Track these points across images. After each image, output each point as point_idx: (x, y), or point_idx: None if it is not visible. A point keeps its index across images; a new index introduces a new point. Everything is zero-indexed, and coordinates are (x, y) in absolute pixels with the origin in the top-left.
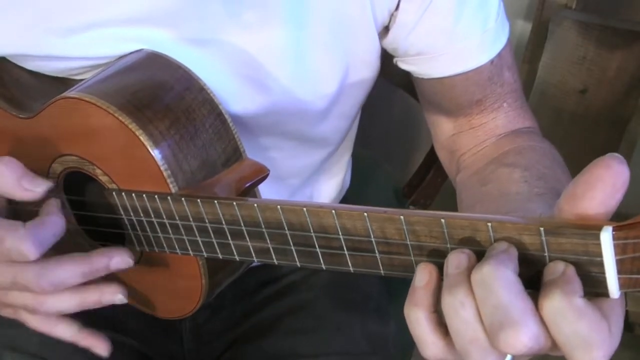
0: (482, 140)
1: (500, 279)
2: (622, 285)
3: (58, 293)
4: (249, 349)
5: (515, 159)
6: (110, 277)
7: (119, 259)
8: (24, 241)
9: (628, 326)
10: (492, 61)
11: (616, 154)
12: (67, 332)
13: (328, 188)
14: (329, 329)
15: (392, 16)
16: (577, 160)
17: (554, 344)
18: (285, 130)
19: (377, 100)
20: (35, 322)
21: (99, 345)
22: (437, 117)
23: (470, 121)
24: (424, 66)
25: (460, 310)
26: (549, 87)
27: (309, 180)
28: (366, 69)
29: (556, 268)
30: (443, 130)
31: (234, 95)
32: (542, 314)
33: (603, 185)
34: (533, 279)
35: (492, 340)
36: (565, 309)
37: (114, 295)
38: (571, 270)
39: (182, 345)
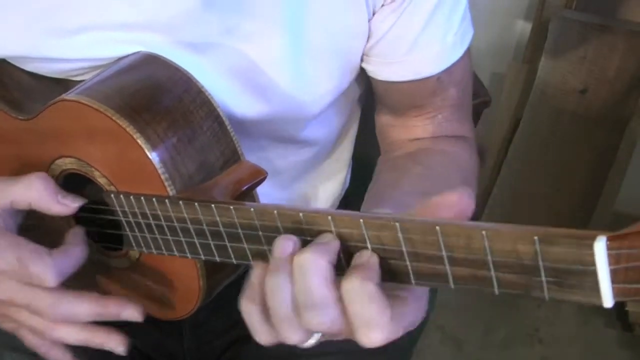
0: (410, 138)
1: (314, 266)
2: (616, 294)
3: (68, 325)
4: (249, 349)
5: (424, 157)
6: (109, 278)
7: (131, 312)
8: (48, 269)
9: (628, 326)
10: (438, 77)
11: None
12: (61, 358)
13: (326, 188)
14: None
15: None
16: (577, 160)
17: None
18: (279, 134)
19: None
20: (34, 342)
21: None
22: (380, 108)
23: (405, 121)
24: (379, 67)
25: (277, 291)
26: (549, 87)
27: (302, 178)
28: (355, 70)
29: (362, 256)
30: (382, 119)
31: (230, 101)
32: (342, 294)
33: (450, 209)
34: (530, 284)
35: (299, 318)
36: (359, 291)
37: (118, 346)
38: (374, 259)
39: (182, 344)
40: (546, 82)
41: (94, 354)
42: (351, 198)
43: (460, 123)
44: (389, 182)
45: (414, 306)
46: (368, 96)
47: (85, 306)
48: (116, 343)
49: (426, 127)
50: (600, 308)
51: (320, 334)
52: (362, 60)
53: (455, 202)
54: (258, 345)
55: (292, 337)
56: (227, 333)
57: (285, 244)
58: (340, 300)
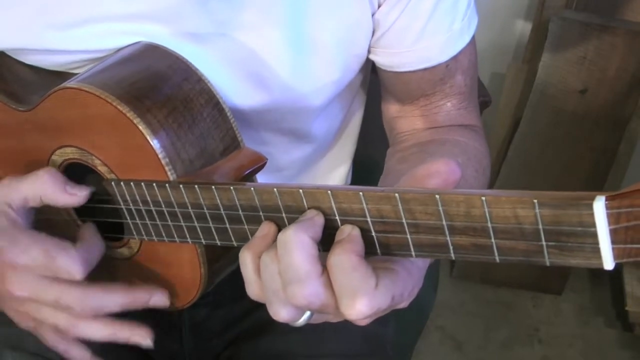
0: (419, 128)
1: (296, 242)
2: (617, 255)
3: (92, 320)
4: (247, 348)
5: (436, 148)
6: (110, 269)
7: (159, 299)
8: (75, 262)
9: (628, 326)
10: (447, 64)
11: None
12: (80, 355)
13: (326, 183)
14: (326, 329)
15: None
16: (577, 160)
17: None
18: (280, 126)
19: (377, 100)
20: (54, 340)
21: None
22: (388, 98)
23: (413, 110)
24: (388, 59)
25: (269, 265)
26: (549, 87)
27: (302, 173)
28: (359, 62)
29: (344, 230)
30: (389, 110)
31: (231, 91)
32: (328, 267)
33: (438, 176)
34: (530, 249)
35: (284, 292)
36: (342, 262)
37: (144, 340)
38: (355, 232)
39: (182, 343)
40: (546, 82)
41: (92, 352)
42: None
43: (468, 111)
44: (401, 174)
45: (404, 276)
46: (370, 94)
47: (114, 297)
48: (142, 337)
49: (435, 116)
50: (600, 308)
51: (309, 314)
52: (369, 52)
53: (441, 170)
54: (256, 345)
55: (280, 312)
56: (226, 332)
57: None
58: (323, 274)
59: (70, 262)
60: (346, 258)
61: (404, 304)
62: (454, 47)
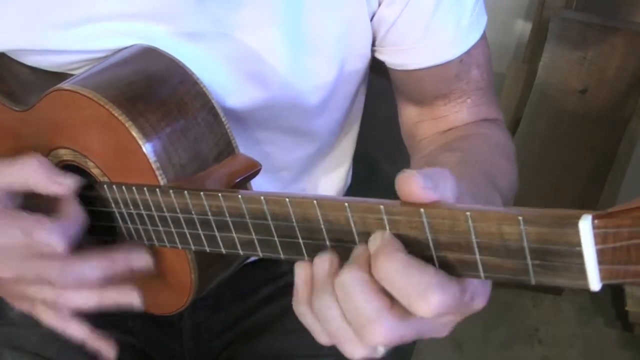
0: (441, 130)
1: (355, 284)
2: (604, 276)
3: (78, 289)
4: (247, 349)
5: (459, 144)
6: None
7: (138, 256)
8: (53, 234)
9: (628, 326)
10: (460, 59)
11: (416, 173)
12: (79, 331)
13: (326, 183)
14: None
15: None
16: (577, 160)
17: (416, 330)
18: (280, 124)
19: (377, 100)
20: (50, 318)
21: (106, 349)
22: (405, 104)
23: (433, 112)
24: (396, 57)
25: (327, 312)
26: (549, 87)
27: (303, 174)
28: (360, 62)
29: (376, 237)
30: (408, 116)
31: (230, 89)
32: (377, 279)
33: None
34: (516, 267)
35: (359, 337)
36: (392, 265)
37: (132, 297)
38: (387, 234)
39: (182, 344)
40: (546, 82)
41: (91, 352)
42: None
43: (488, 106)
44: None
45: None
46: (370, 94)
47: (93, 263)
48: (131, 296)
49: (457, 115)
50: (600, 308)
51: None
52: (377, 52)
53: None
54: (256, 345)
55: (354, 352)
56: (226, 333)
57: (323, 264)
58: (393, 306)
59: (48, 234)
60: (395, 259)
61: (480, 301)
62: (464, 44)
